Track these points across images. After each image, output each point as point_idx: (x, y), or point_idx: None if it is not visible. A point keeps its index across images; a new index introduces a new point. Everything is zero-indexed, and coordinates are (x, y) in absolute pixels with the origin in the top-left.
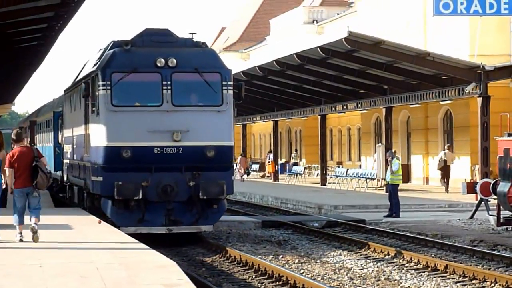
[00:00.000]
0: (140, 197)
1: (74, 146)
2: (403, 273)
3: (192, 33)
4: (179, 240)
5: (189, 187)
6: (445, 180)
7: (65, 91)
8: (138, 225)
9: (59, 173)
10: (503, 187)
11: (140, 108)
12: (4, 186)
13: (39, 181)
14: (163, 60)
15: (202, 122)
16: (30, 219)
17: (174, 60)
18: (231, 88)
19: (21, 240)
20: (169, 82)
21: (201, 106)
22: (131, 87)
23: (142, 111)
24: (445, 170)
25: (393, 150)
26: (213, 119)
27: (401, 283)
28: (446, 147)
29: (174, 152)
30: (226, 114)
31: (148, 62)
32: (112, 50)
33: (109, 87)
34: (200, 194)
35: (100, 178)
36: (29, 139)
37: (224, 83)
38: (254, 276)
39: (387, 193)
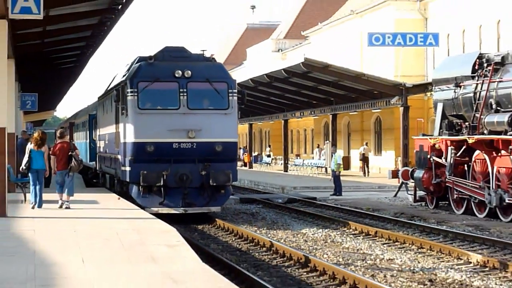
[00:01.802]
0: (161, 183)
1: (106, 142)
2: (344, 237)
3: (203, 50)
4: (193, 218)
5: (201, 175)
6: (365, 167)
7: (98, 98)
8: (159, 207)
9: (93, 163)
10: (418, 173)
11: (161, 111)
12: (47, 172)
13: (73, 166)
14: (180, 72)
15: (212, 123)
16: (65, 196)
17: (189, 72)
18: (236, 94)
19: (61, 206)
20: (185, 90)
21: (211, 109)
22: (154, 94)
23: (163, 113)
24: (364, 160)
25: (333, 146)
26: (221, 120)
27: (342, 244)
28: (365, 143)
29: (189, 147)
30: (232, 116)
31: (168, 73)
32: (138, 64)
33: (136, 94)
34: (210, 181)
35: (128, 168)
36: (68, 136)
37: (230, 90)
38: (234, 239)
39: (332, 178)
